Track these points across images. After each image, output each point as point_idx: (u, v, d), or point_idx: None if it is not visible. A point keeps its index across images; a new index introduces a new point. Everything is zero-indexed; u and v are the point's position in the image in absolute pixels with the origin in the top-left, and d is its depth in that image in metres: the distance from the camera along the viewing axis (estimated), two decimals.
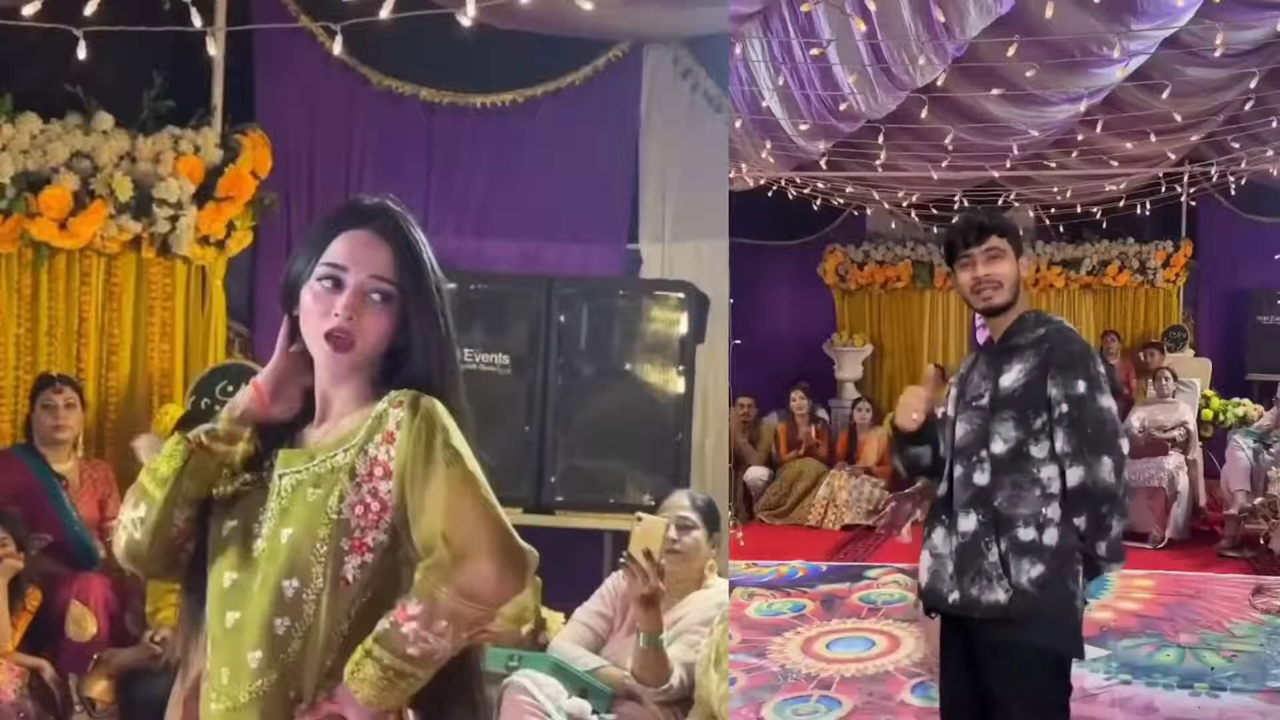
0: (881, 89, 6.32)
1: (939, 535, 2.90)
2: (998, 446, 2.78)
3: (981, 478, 2.80)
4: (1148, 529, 7.76)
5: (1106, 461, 2.73)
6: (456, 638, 1.78)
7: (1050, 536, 2.74)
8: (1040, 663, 2.77)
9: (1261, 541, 7.41)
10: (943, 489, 2.93)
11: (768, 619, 6.24)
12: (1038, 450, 2.77)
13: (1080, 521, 2.74)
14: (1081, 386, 2.74)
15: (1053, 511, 2.75)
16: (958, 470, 2.86)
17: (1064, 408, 2.74)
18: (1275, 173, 9.44)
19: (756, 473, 9.09)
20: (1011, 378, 2.80)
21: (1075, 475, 2.73)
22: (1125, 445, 2.80)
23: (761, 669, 5.41)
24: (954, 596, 2.81)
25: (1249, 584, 6.69)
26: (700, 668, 3.45)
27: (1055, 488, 2.76)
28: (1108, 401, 2.79)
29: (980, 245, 2.85)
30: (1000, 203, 10.29)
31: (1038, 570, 2.72)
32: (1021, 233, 3.00)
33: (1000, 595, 2.73)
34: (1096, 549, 2.76)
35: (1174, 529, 7.77)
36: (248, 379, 2.00)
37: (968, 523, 2.80)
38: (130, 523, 1.91)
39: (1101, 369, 2.82)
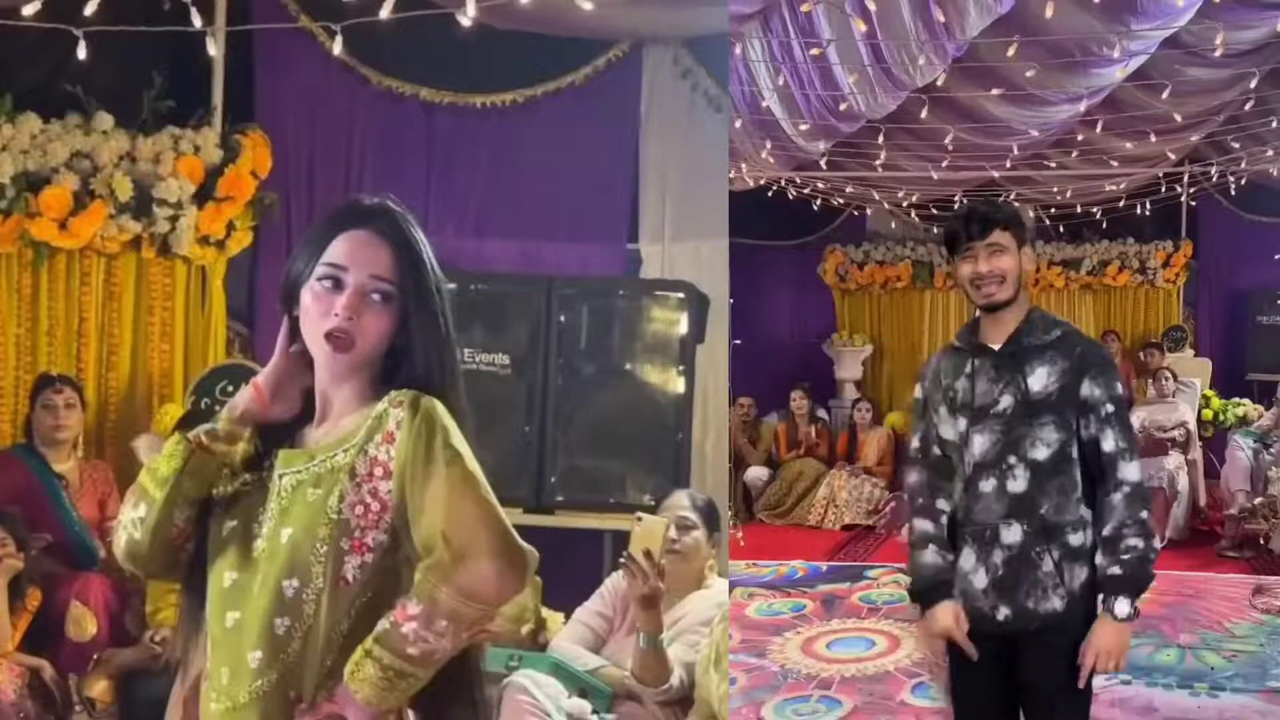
0: (881, 89, 6.32)
1: (964, 555, 2.79)
2: (1040, 452, 2.72)
3: (1017, 485, 2.72)
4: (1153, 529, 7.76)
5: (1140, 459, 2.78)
6: (456, 638, 1.78)
7: (1089, 538, 2.74)
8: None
9: (1261, 541, 7.41)
10: (957, 510, 2.85)
11: (768, 619, 6.24)
12: (1075, 451, 2.74)
13: (1145, 515, 2.70)
14: (1119, 388, 2.76)
15: (1086, 514, 2.74)
16: (986, 484, 2.75)
17: (1109, 408, 2.72)
18: (1275, 173, 9.44)
19: (756, 473, 9.09)
20: (1042, 380, 2.73)
21: (1135, 470, 2.71)
22: None
23: (761, 669, 5.41)
24: (1005, 613, 2.74)
25: (1249, 584, 6.69)
26: (700, 668, 3.45)
27: (1083, 490, 2.74)
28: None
29: (983, 239, 2.75)
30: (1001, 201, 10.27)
31: (1085, 573, 2.72)
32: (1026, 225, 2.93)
33: (1057, 603, 2.70)
34: (1154, 542, 2.72)
35: (1174, 529, 7.77)
36: (248, 379, 2.00)
37: (1011, 534, 2.73)
38: (130, 523, 1.91)
39: None
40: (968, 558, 2.79)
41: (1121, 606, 2.65)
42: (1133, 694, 4.94)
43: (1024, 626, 2.74)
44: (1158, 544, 2.75)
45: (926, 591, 2.83)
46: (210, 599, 1.89)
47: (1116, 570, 2.66)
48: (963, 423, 2.81)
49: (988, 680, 2.83)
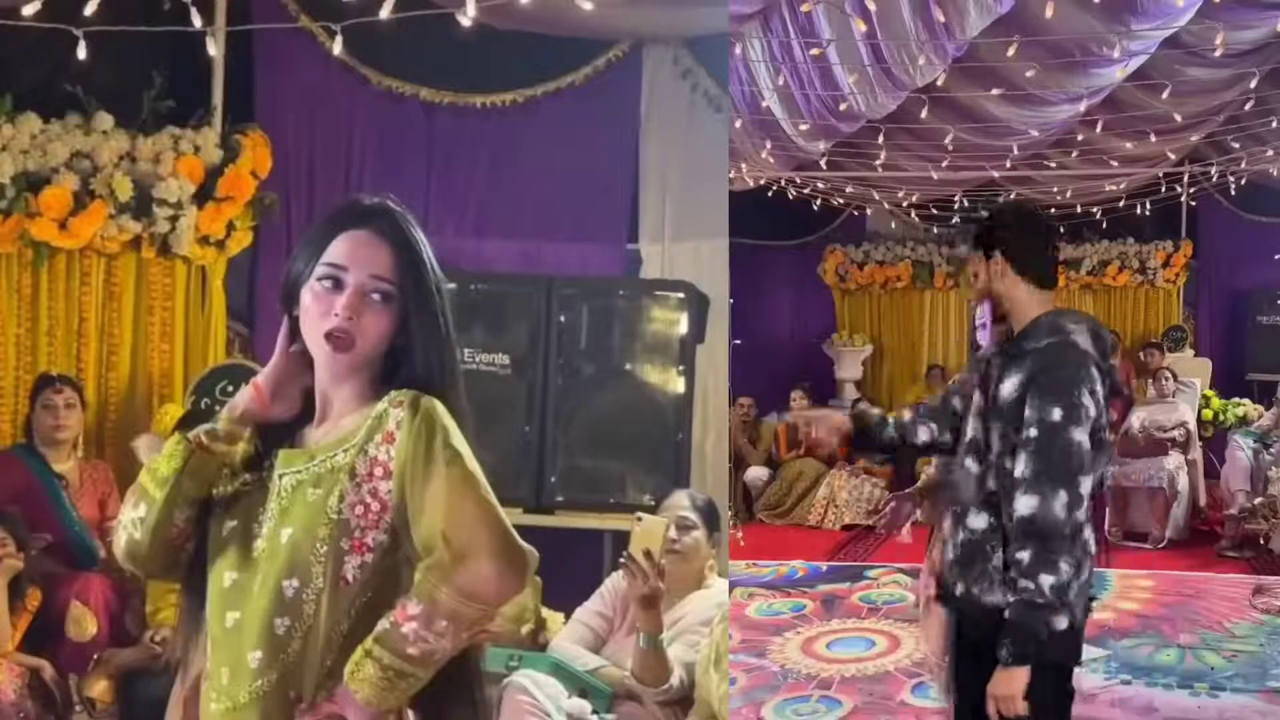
0: (881, 89, 6.33)
1: (947, 524, 2.85)
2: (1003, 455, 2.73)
3: (993, 482, 2.72)
4: (1148, 529, 7.77)
5: (1063, 495, 2.55)
6: (456, 638, 1.78)
7: None
8: (1039, 669, 2.67)
9: (1261, 541, 7.42)
10: (914, 419, 2.93)
11: (768, 619, 6.24)
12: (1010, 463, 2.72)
13: (1024, 556, 2.53)
14: (1057, 414, 2.59)
15: None
16: (974, 465, 2.77)
17: (1033, 432, 2.59)
18: (1275, 173, 9.45)
19: (756, 473, 9.09)
20: (1009, 388, 2.71)
21: (1028, 504, 2.56)
22: (1085, 486, 2.59)
23: (761, 669, 5.41)
24: (959, 589, 2.77)
25: (1249, 584, 6.69)
26: (700, 668, 3.45)
27: None
28: (1080, 435, 2.61)
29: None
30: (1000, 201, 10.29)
31: None
32: (1008, 225, 2.93)
33: (999, 597, 2.67)
34: (1041, 584, 2.51)
35: (1174, 529, 7.78)
36: (248, 379, 2.00)
37: (978, 520, 2.73)
38: (130, 523, 1.91)
39: (1086, 400, 2.61)
40: (948, 526, 2.83)
41: (1003, 651, 2.56)
42: (1133, 694, 4.94)
43: (972, 612, 2.74)
44: (1050, 579, 2.51)
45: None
46: (210, 599, 1.89)
47: (1007, 613, 2.58)
48: (970, 403, 2.86)
49: (968, 659, 2.83)
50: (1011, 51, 5.93)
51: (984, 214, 3.04)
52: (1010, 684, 2.56)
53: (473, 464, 1.83)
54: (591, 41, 5.86)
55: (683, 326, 5.17)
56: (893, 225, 11.55)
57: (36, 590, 4.25)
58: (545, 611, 4.10)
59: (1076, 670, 2.79)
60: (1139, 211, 10.52)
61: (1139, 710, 4.79)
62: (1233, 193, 10.53)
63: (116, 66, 4.88)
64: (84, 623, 4.27)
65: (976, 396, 2.84)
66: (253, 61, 5.74)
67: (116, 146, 4.99)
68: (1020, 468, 2.61)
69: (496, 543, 1.79)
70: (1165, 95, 7.05)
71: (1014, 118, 7.48)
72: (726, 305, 5.84)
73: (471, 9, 4.03)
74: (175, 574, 1.97)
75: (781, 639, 5.85)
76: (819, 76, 6.21)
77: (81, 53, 4.21)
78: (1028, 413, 2.62)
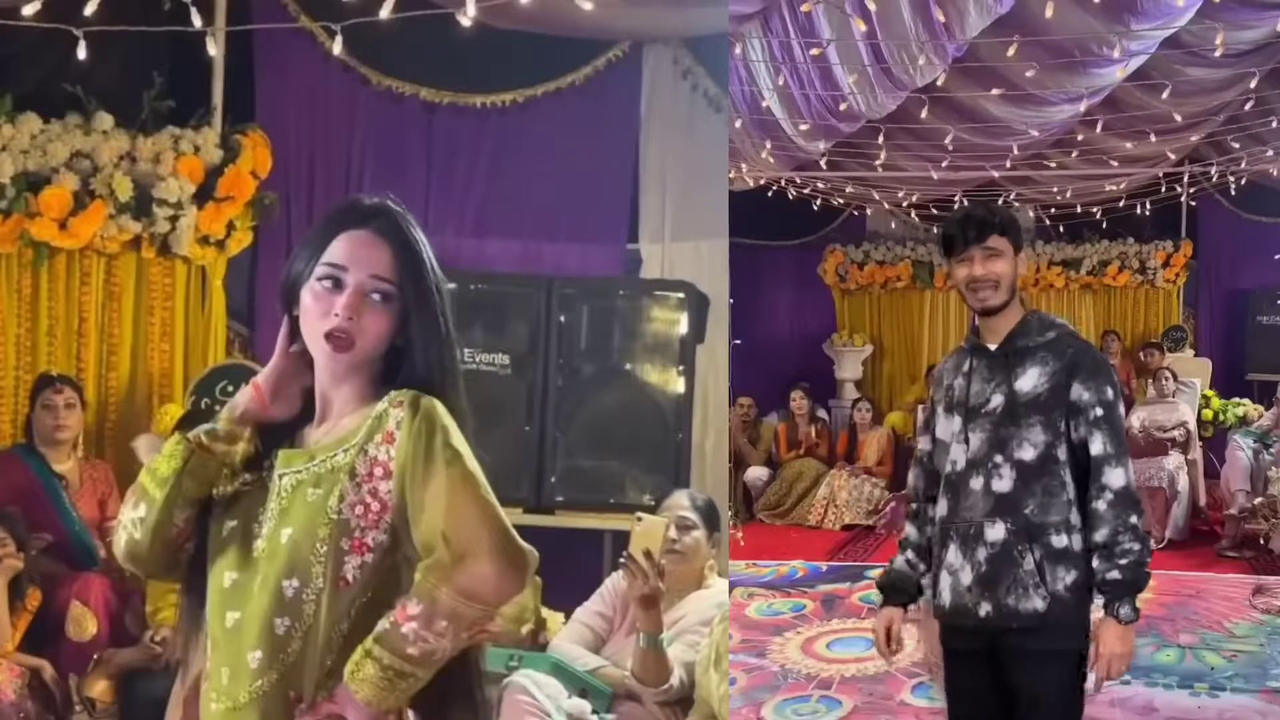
0: (881, 89, 6.33)
1: (951, 551, 2.82)
2: (1026, 453, 2.73)
3: (1003, 485, 2.74)
4: (1147, 529, 7.75)
5: (1130, 463, 2.77)
6: (456, 638, 1.78)
7: (1078, 542, 2.74)
8: (1070, 663, 2.77)
9: (1261, 541, 7.42)
10: (943, 508, 2.86)
11: (768, 619, 6.24)
12: (1062, 453, 2.75)
13: (1135, 519, 2.71)
14: (1110, 392, 2.75)
15: (1075, 517, 2.75)
16: (975, 481, 2.78)
17: (1099, 411, 2.72)
18: (1275, 173, 9.45)
19: (756, 473, 9.09)
20: (1031, 381, 2.75)
21: (1123, 475, 2.72)
22: None
23: (761, 669, 5.41)
24: (986, 609, 2.75)
25: (1249, 584, 6.69)
26: (700, 668, 3.45)
27: (1073, 493, 2.75)
28: (1123, 409, 2.83)
29: (980, 243, 2.78)
30: (1000, 202, 10.27)
31: (1072, 576, 2.72)
32: (1024, 228, 2.93)
33: (1039, 603, 2.70)
34: (1149, 544, 2.74)
35: (1174, 529, 7.77)
36: (248, 379, 2.00)
37: (995, 532, 2.74)
38: (130, 523, 1.91)
39: (1117, 378, 2.83)
40: (955, 554, 2.81)
41: (1125, 610, 2.67)
42: (1133, 694, 4.94)
43: (1004, 624, 2.74)
44: (1152, 545, 2.76)
45: (884, 589, 2.99)
46: (210, 599, 1.89)
47: (1116, 575, 2.68)
48: (957, 421, 2.84)
49: (978, 679, 2.84)
50: (1011, 51, 5.93)
51: (1005, 210, 3.01)
52: (1129, 641, 2.73)
53: (473, 464, 1.83)
54: (591, 41, 5.86)
55: (683, 326, 5.17)
56: (893, 225, 11.55)
57: (36, 590, 4.26)
58: (545, 611, 4.11)
59: None
60: (1139, 211, 10.51)
61: (1139, 710, 4.79)
62: (1233, 193, 10.53)
63: (116, 66, 4.89)
64: (84, 623, 4.27)
65: (952, 422, 2.84)
66: (253, 61, 5.74)
67: (116, 146, 4.99)
68: (1100, 446, 2.74)
69: (497, 543, 1.79)
70: (1165, 95, 7.05)
71: (1014, 118, 7.48)
72: (726, 305, 5.84)
73: (471, 9, 4.04)
74: (175, 574, 1.97)
75: (781, 639, 5.85)
76: (819, 76, 6.21)
77: (81, 53, 4.21)
78: (1085, 395, 2.74)
